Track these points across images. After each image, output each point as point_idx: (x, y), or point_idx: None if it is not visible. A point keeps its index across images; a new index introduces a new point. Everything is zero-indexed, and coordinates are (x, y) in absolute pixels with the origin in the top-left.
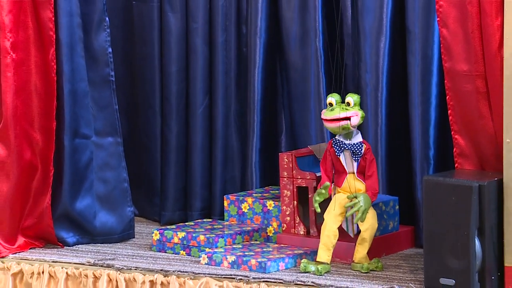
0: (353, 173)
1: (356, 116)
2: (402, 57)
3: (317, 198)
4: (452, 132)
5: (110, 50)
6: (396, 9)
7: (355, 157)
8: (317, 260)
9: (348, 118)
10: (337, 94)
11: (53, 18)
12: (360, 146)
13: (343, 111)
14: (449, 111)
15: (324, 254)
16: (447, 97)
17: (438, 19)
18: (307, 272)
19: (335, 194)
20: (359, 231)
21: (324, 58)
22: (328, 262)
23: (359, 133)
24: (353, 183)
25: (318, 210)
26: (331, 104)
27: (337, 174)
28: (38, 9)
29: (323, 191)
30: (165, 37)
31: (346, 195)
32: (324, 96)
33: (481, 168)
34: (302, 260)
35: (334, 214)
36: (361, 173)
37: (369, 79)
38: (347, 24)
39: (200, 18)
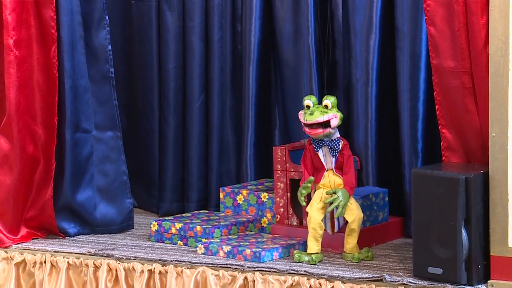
0: (332, 169)
1: (335, 118)
2: (391, 54)
3: (303, 191)
4: (439, 126)
5: (110, 47)
6: (385, 8)
7: (333, 153)
8: (308, 252)
9: (327, 122)
10: (313, 96)
11: (55, 17)
12: (338, 142)
13: (323, 114)
14: (436, 106)
15: (314, 245)
16: (434, 93)
17: (426, 17)
18: (301, 262)
19: (315, 190)
20: (339, 228)
21: (316, 55)
22: (319, 252)
23: (337, 130)
24: (333, 179)
25: (303, 203)
26: (308, 107)
27: (316, 170)
28: (40, 8)
29: (309, 185)
30: (163, 35)
31: (327, 190)
32: (316, 92)
33: (467, 161)
34: (295, 251)
35: (317, 208)
36: (339, 168)
37: (359, 75)
38: (338, 22)
39: (196, 16)
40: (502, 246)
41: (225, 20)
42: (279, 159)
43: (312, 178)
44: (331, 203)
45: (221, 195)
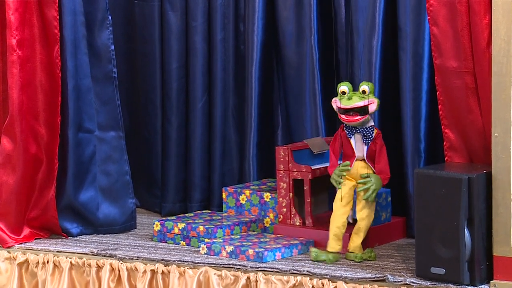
0: (363, 159)
1: (373, 103)
2: (394, 54)
3: (344, 174)
4: (442, 127)
5: (112, 47)
6: (388, 8)
7: (366, 141)
8: (329, 250)
9: (366, 107)
10: (348, 82)
11: (58, 17)
12: (372, 129)
13: (362, 99)
14: (439, 106)
15: (335, 244)
16: (437, 93)
17: (429, 17)
18: (318, 260)
19: (341, 182)
20: (354, 217)
21: (319, 55)
22: (340, 251)
23: (371, 118)
24: (361, 170)
25: (340, 187)
26: (343, 93)
27: (345, 158)
28: (43, 8)
29: (349, 168)
30: (166, 35)
31: (353, 183)
32: (319, 91)
33: (470, 161)
34: (313, 249)
35: (342, 205)
36: (370, 158)
37: (362, 75)
38: (340, 22)
39: (199, 16)
40: (505, 246)
41: (227, 20)
42: (282, 159)
43: (348, 162)
44: (363, 184)
45: (224, 195)
